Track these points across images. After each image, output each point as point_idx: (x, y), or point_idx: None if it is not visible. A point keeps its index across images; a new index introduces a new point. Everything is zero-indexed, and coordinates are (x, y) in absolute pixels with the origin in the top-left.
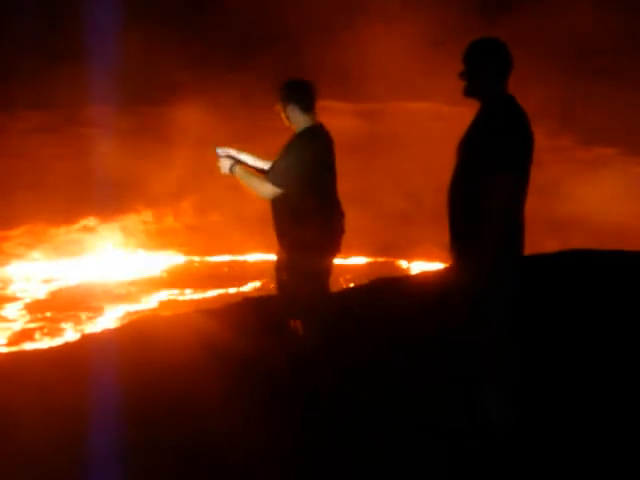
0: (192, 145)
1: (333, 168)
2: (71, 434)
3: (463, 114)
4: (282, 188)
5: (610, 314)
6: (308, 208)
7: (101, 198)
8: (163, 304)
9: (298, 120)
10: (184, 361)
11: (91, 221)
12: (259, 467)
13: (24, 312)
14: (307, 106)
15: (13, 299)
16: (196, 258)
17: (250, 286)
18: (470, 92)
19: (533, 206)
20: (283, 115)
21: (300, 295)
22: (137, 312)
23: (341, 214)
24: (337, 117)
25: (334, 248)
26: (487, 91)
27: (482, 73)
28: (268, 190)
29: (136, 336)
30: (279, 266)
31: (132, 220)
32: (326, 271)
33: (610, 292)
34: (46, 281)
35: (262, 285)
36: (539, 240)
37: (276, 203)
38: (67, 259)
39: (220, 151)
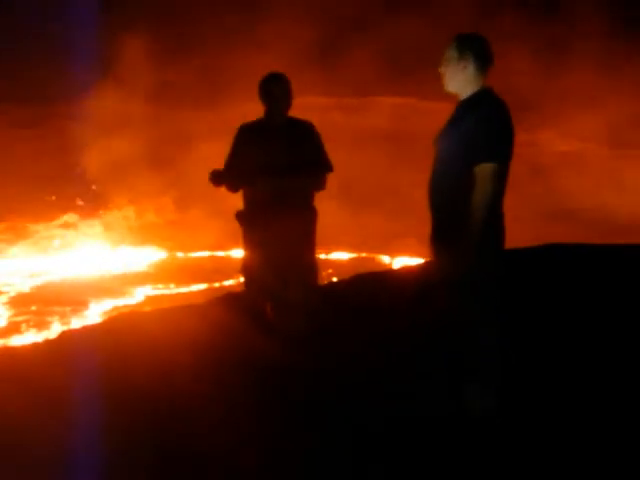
0: (173, 139)
1: None
2: (51, 433)
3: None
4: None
5: (594, 307)
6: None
7: (82, 194)
8: (149, 298)
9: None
10: (165, 357)
11: (72, 217)
12: (246, 465)
13: (8, 306)
14: None
15: None
16: (179, 254)
17: (233, 281)
18: (450, 87)
19: (518, 199)
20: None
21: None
22: (125, 306)
23: None
24: (320, 111)
25: None
26: (467, 86)
27: (462, 68)
28: (324, 180)
29: (117, 333)
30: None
31: (113, 216)
32: None
33: (594, 285)
34: (30, 276)
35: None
36: (522, 233)
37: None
38: (49, 255)
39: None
